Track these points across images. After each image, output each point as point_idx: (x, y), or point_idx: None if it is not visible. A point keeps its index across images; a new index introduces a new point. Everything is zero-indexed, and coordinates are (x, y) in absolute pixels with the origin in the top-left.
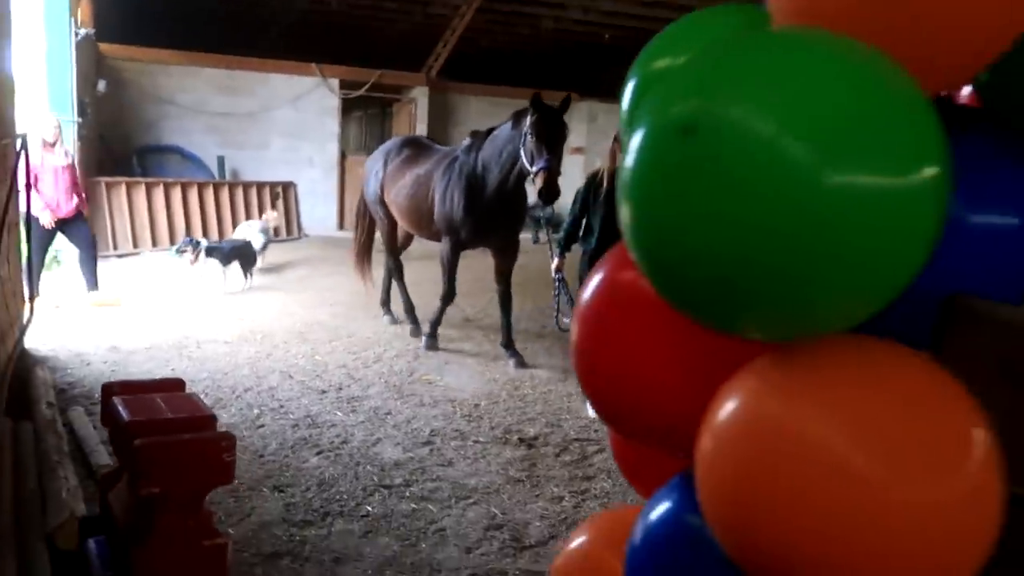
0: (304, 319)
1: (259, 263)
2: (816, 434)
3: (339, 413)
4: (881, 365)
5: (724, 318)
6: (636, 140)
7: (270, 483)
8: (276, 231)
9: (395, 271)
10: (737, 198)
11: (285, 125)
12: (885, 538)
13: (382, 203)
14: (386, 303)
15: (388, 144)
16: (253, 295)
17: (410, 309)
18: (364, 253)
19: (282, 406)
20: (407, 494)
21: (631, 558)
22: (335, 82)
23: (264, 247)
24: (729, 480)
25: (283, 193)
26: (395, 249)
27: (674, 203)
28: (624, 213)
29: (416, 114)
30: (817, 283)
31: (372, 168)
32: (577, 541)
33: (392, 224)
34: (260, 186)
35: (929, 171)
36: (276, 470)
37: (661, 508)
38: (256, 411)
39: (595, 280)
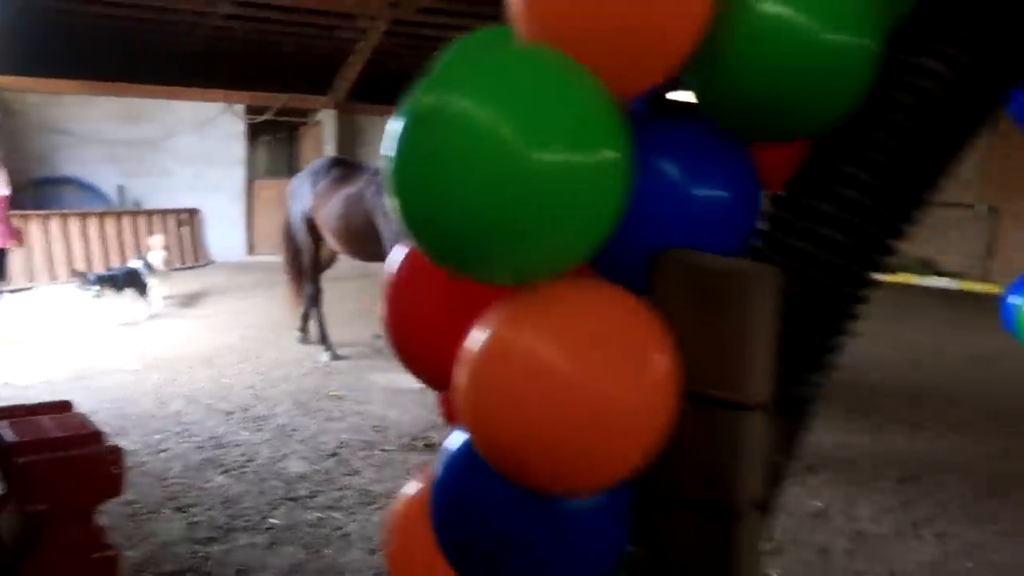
0: (211, 344)
1: (163, 292)
2: (537, 350)
3: (245, 433)
4: (591, 299)
5: (470, 269)
6: (391, 130)
7: (172, 504)
8: (167, 251)
9: (313, 296)
10: (463, 175)
11: (189, 152)
12: (587, 425)
13: (309, 225)
14: (306, 317)
15: (315, 164)
16: (158, 323)
17: (324, 337)
18: (298, 276)
19: (186, 429)
20: (313, 504)
21: (433, 490)
22: (240, 107)
23: (156, 275)
24: (475, 395)
25: (188, 220)
26: (316, 273)
27: (417, 181)
28: (387, 190)
29: (324, 137)
30: (530, 239)
31: (297, 190)
32: (411, 487)
33: (316, 247)
34: (164, 214)
35: (609, 153)
36: (179, 491)
37: (453, 440)
38: (159, 436)
39: (394, 255)
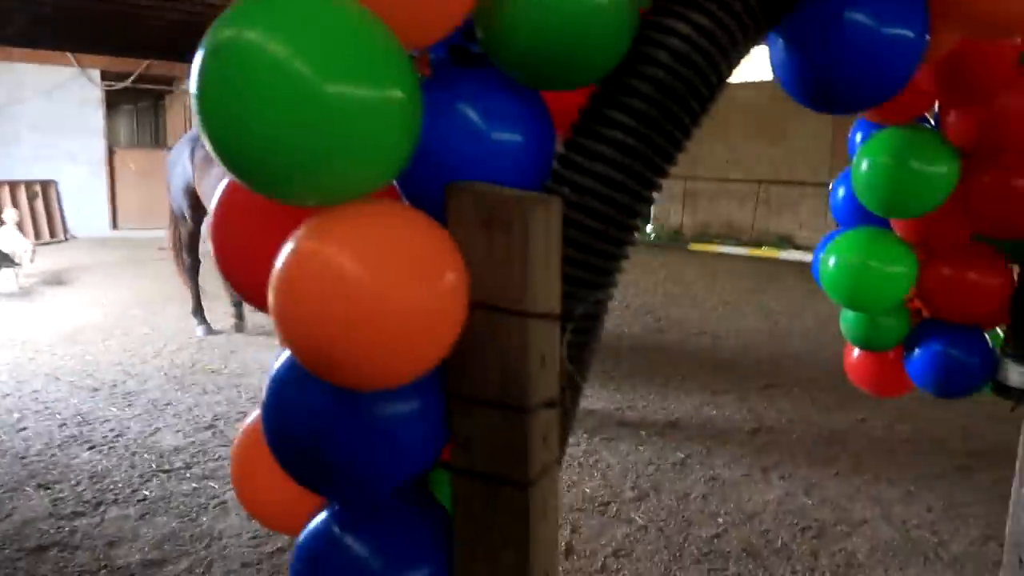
0: (73, 321)
1: (24, 269)
2: (336, 259)
3: (113, 409)
4: (388, 218)
5: (278, 194)
6: (194, 64)
7: (34, 482)
8: (19, 226)
9: (191, 269)
10: (260, 106)
11: (38, 119)
12: (382, 329)
13: (189, 196)
14: (239, 304)
15: (195, 132)
16: (12, 302)
17: (199, 311)
18: (180, 252)
19: (47, 407)
20: (187, 475)
21: (264, 405)
22: (96, 72)
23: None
24: (281, 302)
25: (42, 192)
26: (196, 246)
27: (216, 110)
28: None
29: (192, 105)
30: (326, 166)
31: (176, 159)
32: (250, 417)
33: (197, 219)
34: (13, 185)
35: (396, 92)
36: (41, 469)
37: (279, 359)
38: (17, 415)
39: (217, 190)
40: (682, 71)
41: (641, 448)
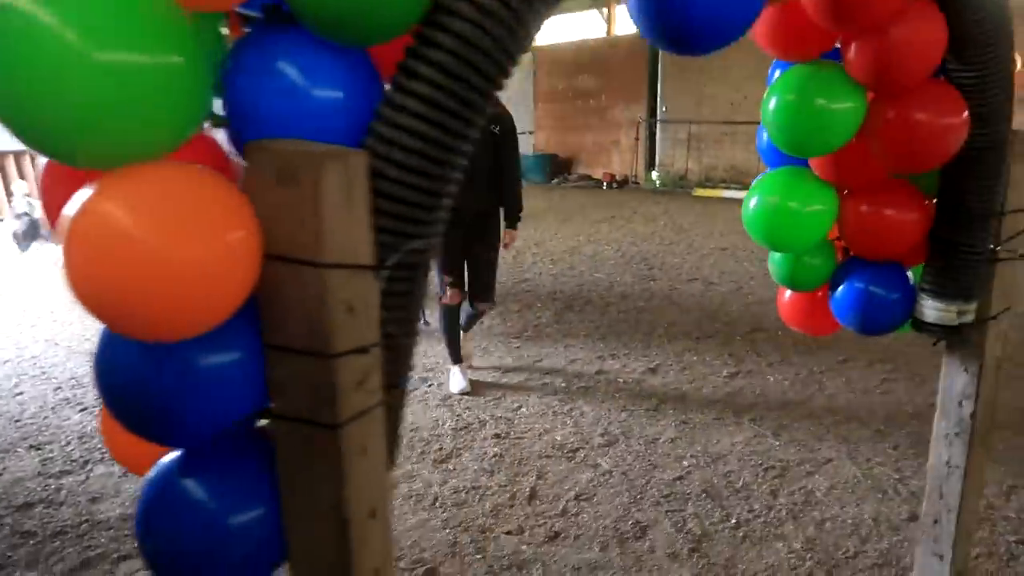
0: None
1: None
2: (116, 218)
3: None
4: (175, 177)
5: (65, 159)
6: None
7: (26, 443)
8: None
9: None
10: (28, 73)
11: None
12: (160, 283)
13: None
14: None
15: None
16: (15, 270)
17: None
18: None
19: (44, 372)
20: None
21: (93, 361)
22: None
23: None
24: (66, 259)
25: (14, 161)
26: None
27: None
28: None
29: None
30: (103, 133)
31: None
32: None
33: None
34: (18, 156)
35: (172, 58)
36: (34, 431)
37: None
38: (15, 380)
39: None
40: (484, 22)
41: (617, 395)
